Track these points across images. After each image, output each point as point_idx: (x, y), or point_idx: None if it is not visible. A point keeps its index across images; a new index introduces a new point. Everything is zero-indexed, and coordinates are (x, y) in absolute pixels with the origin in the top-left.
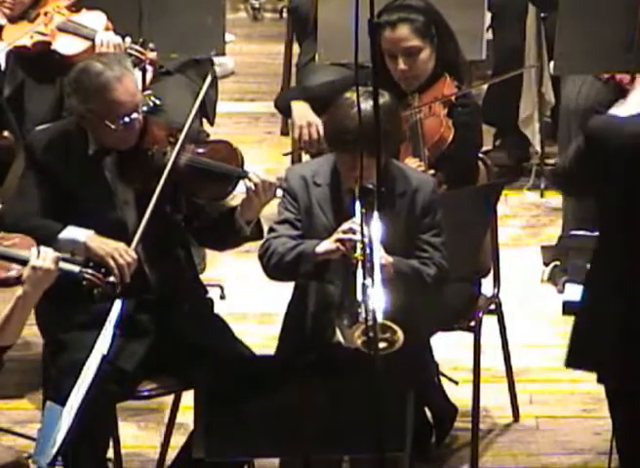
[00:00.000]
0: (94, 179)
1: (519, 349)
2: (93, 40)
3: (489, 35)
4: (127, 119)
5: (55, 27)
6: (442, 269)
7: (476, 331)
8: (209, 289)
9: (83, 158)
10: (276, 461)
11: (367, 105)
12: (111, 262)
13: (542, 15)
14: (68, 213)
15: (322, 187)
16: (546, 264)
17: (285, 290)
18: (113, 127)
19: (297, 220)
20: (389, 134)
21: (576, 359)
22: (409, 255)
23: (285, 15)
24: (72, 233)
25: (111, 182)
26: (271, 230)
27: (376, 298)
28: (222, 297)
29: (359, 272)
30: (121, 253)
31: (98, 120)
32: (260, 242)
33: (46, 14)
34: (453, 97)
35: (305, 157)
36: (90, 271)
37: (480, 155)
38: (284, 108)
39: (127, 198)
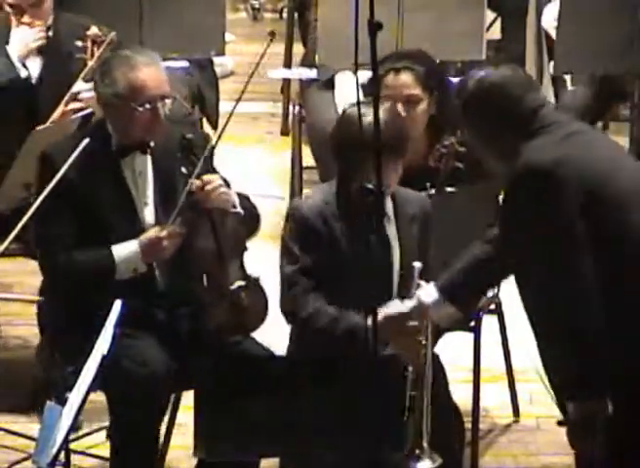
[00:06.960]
0: (112, 178)
1: (519, 349)
2: None
3: (489, 35)
4: (148, 105)
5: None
6: None
7: (476, 331)
8: None
9: (102, 157)
10: (275, 461)
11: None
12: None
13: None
14: (87, 215)
15: (341, 219)
16: None
17: None
18: (140, 110)
19: (315, 264)
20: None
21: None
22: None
23: (285, 15)
24: (122, 252)
25: (130, 182)
26: (291, 279)
27: None
28: None
29: None
30: (159, 235)
31: (123, 104)
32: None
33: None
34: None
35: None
36: None
37: None
38: None
39: (146, 197)
